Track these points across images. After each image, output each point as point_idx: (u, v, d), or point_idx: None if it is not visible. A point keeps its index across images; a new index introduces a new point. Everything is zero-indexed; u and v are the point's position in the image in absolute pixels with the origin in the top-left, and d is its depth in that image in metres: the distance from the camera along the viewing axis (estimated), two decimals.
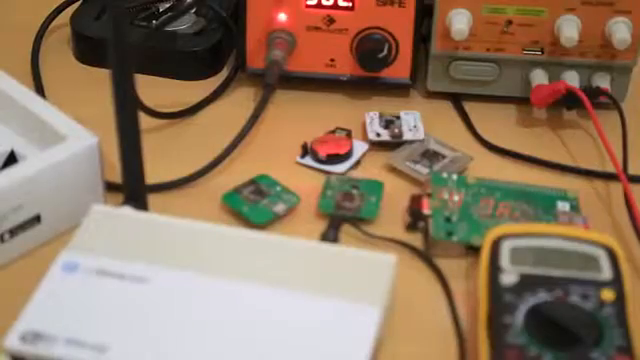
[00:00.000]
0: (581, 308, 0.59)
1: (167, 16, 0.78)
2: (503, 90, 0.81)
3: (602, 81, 0.78)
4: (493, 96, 0.81)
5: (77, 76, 0.83)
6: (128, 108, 0.63)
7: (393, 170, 0.75)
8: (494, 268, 0.62)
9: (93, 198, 0.68)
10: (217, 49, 0.83)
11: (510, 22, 0.77)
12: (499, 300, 0.60)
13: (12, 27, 0.88)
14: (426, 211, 0.69)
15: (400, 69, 0.80)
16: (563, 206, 0.70)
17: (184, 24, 0.83)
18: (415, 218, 0.69)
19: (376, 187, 0.72)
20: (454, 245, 0.68)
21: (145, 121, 0.70)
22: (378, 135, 0.77)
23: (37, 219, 0.67)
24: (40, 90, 0.81)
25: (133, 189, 0.67)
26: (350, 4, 0.78)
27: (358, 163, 0.76)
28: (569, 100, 0.77)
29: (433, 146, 0.76)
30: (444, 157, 0.75)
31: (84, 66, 0.84)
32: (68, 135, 0.68)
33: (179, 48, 0.82)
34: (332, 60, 0.80)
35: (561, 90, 0.77)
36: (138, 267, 0.62)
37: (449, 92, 0.82)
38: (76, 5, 0.88)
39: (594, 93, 0.77)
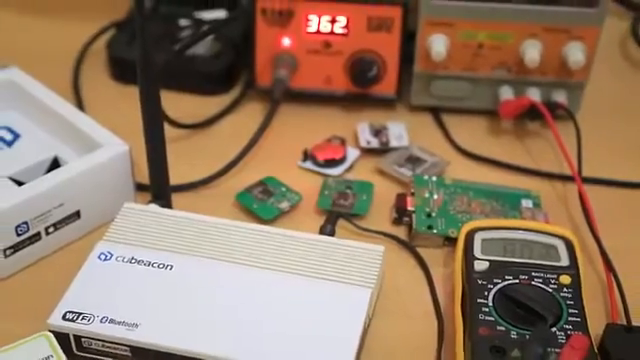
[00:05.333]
0: (543, 290, 0.60)
1: (187, 41, 0.78)
2: (476, 104, 0.80)
3: (560, 96, 0.78)
4: (467, 109, 0.81)
5: (112, 93, 0.83)
6: (155, 120, 0.63)
7: (381, 173, 0.75)
8: (468, 256, 0.62)
9: (125, 197, 0.68)
10: (231, 69, 0.83)
11: (481, 46, 0.77)
12: (472, 284, 0.60)
13: (56, 52, 0.88)
14: (410, 208, 0.69)
15: (387, 86, 0.80)
16: (527, 203, 0.70)
17: (202, 48, 0.83)
18: (400, 214, 0.69)
19: (367, 187, 0.72)
20: (434, 237, 0.68)
21: (169, 131, 0.70)
22: (368, 143, 0.76)
23: (77, 215, 0.67)
24: (80, 105, 0.81)
25: (159, 189, 0.67)
26: (345, 31, 0.78)
27: (351, 167, 0.75)
28: (532, 113, 0.77)
29: (416, 152, 0.76)
30: (425, 162, 0.75)
31: (117, 84, 0.84)
32: (104, 143, 0.68)
33: (198, 69, 0.82)
34: (329, 78, 0.80)
35: (525, 104, 0.77)
36: (164, 256, 0.62)
37: (430, 106, 0.82)
38: (111, 32, 0.88)
39: (553, 107, 0.77)
